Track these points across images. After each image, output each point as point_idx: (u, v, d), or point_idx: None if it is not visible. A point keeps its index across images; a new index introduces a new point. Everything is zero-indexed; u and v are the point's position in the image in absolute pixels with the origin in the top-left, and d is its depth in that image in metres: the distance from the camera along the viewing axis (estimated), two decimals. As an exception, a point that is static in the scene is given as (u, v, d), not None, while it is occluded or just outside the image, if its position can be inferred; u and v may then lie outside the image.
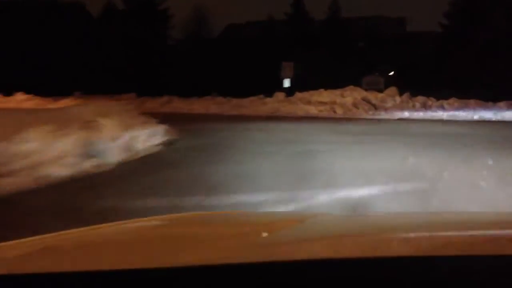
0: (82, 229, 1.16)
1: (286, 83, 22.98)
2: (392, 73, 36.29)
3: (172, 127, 10.42)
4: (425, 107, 17.14)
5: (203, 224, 1.39)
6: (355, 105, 17.87)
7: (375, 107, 17.74)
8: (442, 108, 16.99)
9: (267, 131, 11.03)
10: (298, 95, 19.36)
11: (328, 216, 1.68)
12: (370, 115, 17.26)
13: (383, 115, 17.23)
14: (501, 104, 16.38)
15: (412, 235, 1.13)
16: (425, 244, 1.03)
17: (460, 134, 10.22)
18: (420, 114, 16.84)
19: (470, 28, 26.21)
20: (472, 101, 17.61)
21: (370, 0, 56.41)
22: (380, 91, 19.46)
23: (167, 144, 8.04)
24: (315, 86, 20.19)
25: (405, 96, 18.47)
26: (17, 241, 1.02)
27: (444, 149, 7.41)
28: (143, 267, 0.78)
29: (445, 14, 29.81)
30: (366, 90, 20.08)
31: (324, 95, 19.01)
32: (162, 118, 10.15)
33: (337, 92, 19.04)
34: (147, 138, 7.73)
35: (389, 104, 17.76)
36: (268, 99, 18.91)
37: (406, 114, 16.96)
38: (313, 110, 17.97)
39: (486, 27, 25.40)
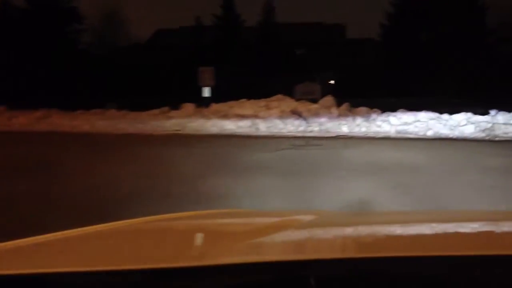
0: (81, 229, 1.12)
1: (206, 92, 19.02)
2: (333, 81, 33.75)
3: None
4: (368, 120, 13.71)
5: (204, 223, 1.35)
6: (282, 118, 14.18)
7: (307, 121, 14.13)
8: (389, 121, 13.63)
9: (127, 166, 7.00)
10: (214, 107, 15.46)
11: (330, 214, 1.65)
12: (301, 131, 13.62)
13: (316, 131, 13.65)
14: (458, 117, 13.22)
15: (414, 233, 1.11)
16: (427, 242, 1.01)
17: (423, 168, 6.62)
18: (362, 130, 13.38)
19: (412, 29, 23.45)
20: (423, 113, 14.37)
21: (309, 6, 53.46)
22: (316, 101, 15.92)
23: None
24: (243, 96, 16.44)
25: (344, 107, 15.02)
26: (16, 241, 0.97)
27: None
28: (142, 267, 0.75)
29: (386, 14, 27.05)
30: (299, 100, 16.51)
31: (246, 107, 15.23)
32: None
33: (262, 103, 15.33)
34: None
35: (325, 117, 14.21)
36: (174, 113, 14.84)
37: (345, 129, 13.46)
38: (230, 125, 14.12)
39: (429, 27, 22.71)
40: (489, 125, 12.67)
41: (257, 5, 32.12)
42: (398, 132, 13.14)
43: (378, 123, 13.60)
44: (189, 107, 14.99)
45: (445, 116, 13.47)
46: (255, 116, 14.40)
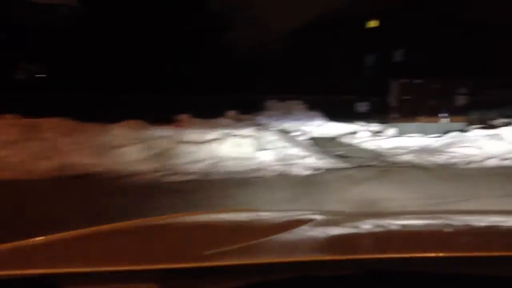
0: (81, 230, 1.09)
1: None
2: (43, 75, 25.06)
3: None
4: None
5: (212, 222, 1.35)
6: None
7: None
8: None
9: None
10: None
11: (333, 215, 1.63)
12: None
13: None
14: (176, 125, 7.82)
15: (416, 234, 1.11)
16: (431, 243, 1.01)
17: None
18: None
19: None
20: (90, 127, 8.54)
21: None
22: None
23: None
24: None
25: None
26: (17, 242, 0.96)
27: None
28: (144, 268, 0.74)
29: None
30: None
31: None
32: None
33: None
34: None
35: None
36: None
37: None
38: None
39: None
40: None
41: None
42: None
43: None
44: None
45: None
46: None
